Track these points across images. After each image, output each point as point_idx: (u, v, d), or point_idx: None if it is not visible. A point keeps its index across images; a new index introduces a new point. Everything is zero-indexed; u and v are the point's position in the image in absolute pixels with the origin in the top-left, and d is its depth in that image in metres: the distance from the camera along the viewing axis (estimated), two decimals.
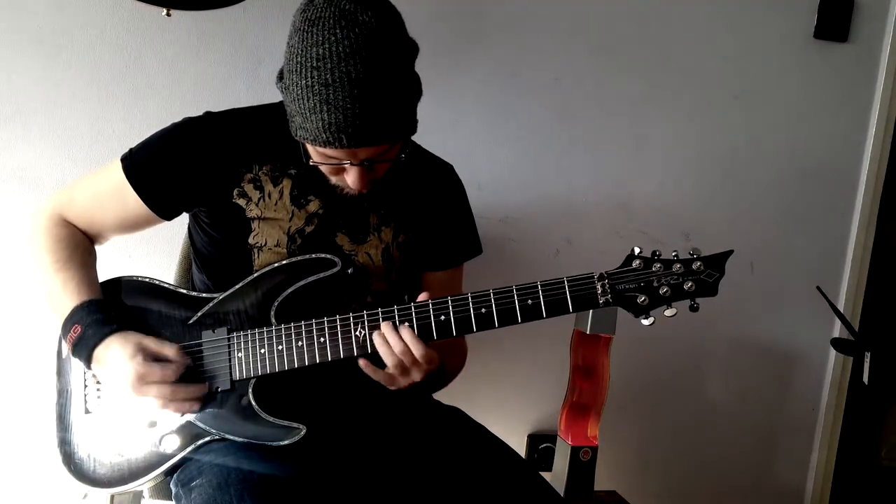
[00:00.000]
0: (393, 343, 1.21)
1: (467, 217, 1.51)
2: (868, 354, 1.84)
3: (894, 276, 2.44)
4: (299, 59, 1.13)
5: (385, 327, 1.22)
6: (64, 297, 1.28)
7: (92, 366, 1.24)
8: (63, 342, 1.30)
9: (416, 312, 1.23)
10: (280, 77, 1.20)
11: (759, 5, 2.20)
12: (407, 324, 1.22)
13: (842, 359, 2.39)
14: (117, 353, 1.21)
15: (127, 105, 1.83)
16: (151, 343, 1.24)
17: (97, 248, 1.40)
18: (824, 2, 2.22)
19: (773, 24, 2.22)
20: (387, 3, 1.17)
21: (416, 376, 1.24)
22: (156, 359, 1.23)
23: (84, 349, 1.24)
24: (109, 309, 1.28)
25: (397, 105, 1.16)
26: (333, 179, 1.28)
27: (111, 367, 1.22)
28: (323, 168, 1.26)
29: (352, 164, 1.20)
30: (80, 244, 1.35)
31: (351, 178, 1.23)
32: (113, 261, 1.72)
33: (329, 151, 1.19)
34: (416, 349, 1.21)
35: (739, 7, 2.19)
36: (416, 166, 1.42)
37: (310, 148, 1.22)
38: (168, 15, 1.65)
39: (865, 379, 1.84)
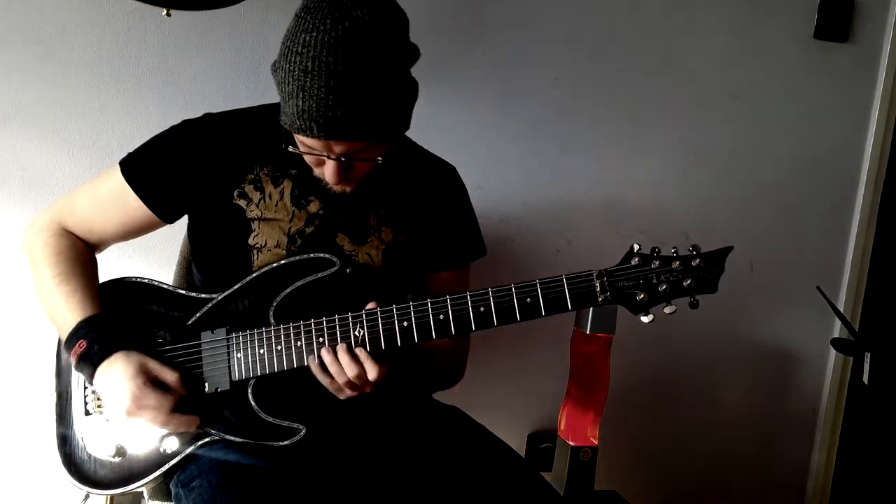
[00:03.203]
0: (346, 365, 1.20)
1: (469, 218, 1.50)
2: (868, 354, 1.84)
3: (894, 276, 2.44)
4: (288, 44, 1.14)
5: (340, 350, 1.20)
6: (66, 311, 1.27)
7: (94, 382, 1.24)
8: (66, 354, 1.29)
9: (414, 312, 1.22)
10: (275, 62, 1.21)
11: (759, 5, 2.20)
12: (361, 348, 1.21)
13: (842, 359, 2.39)
14: (120, 371, 1.21)
15: (127, 105, 1.83)
16: (154, 365, 1.23)
17: (97, 256, 1.40)
18: (824, 2, 2.21)
19: (773, 24, 2.22)
20: (393, 4, 1.18)
21: (367, 388, 1.22)
22: (156, 381, 1.23)
23: (88, 365, 1.23)
24: (114, 325, 1.27)
25: (378, 104, 1.15)
26: (316, 171, 1.28)
27: (111, 384, 1.22)
28: (305, 158, 1.26)
29: (329, 157, 1.20)
30: (80, 254, 1.34)
31: (327, 172, 1.23)
32: (113, 261, 1.72)
33: (306, 140, 1.19)
34: (371, 372, 1.19)
35: (739, 7, 2.19)
36: (416, 167, 1.42)
37: (294, 135, 1.23)
38: (168, 15, 1.64)
39: (865, 379, 1.84)
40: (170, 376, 1.23)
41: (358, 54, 1.11)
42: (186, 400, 1.25)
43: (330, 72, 1.10)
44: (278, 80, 1.17)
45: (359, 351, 1.21)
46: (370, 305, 1.24)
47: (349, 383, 1.21)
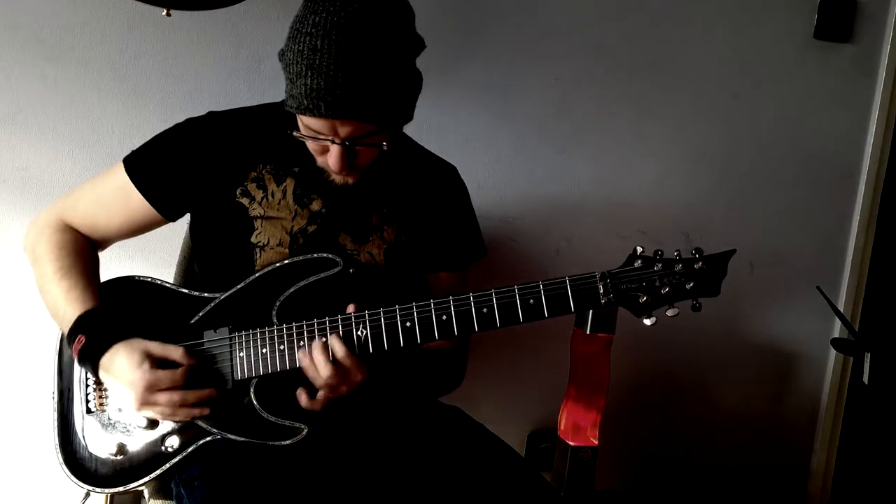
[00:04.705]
0: (322, 361, 1.20)
1: (470, 219, 1.50)
2: (868, 354, 1.84)
3: (894, 276, 2.45)
4: (297, 27, 1.15)
5: (315, 348, 1.21)
6: (67, 305, 1.27)
7: (100, 375, 1.24)
8: (67, 350, 1.29)
9: (417, 312, 1.22)
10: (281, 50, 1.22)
11: (759, 5, 2.20)
12: (335, 336, 1.21)
13: (842, 359, 2.39)
14: (123, 363, 1.21)
15: (127, 105, 1.83)
16: (156, 347, 1.23)
17: (99, 254, 1.40)
18: (824, 2, 2.22)
19: (773, 24, 2.22)
20: None
21: (343, 389, 1.22)
22: (162, 363, 1.22)
23: (90, 359, 1.23)
24: (114, 317, 1.27)
25: (385, 87, 1.16)
26: (319, 160, 1.28)
27: (118, 376, 1.22)
28: (309, 145, 1.25)
29: (334, 142, 1.20)
30: (82, 250, 1.35)
31: (331, 159, 1.22)
32: (113, 261, 1.72)
33: (312, 123, 1.19)
34: (347, 363, 1.20)
35: (739, 7, 2.19)
36: (418, 166, 1.42)
37: (298, 121, 1.23)
38: (168, 15, 1.64)
39: (865, 379, 1.84)
40: (174, 352, 1.23)
41: (367, 35, 1.12)
42: (195, 370, 1.24)
43: (339, 50, 1.11)
44: (286, 63, 1.17)
45: (333, 340, 1.20)
46: (350, 308, 1.23)
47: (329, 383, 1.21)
